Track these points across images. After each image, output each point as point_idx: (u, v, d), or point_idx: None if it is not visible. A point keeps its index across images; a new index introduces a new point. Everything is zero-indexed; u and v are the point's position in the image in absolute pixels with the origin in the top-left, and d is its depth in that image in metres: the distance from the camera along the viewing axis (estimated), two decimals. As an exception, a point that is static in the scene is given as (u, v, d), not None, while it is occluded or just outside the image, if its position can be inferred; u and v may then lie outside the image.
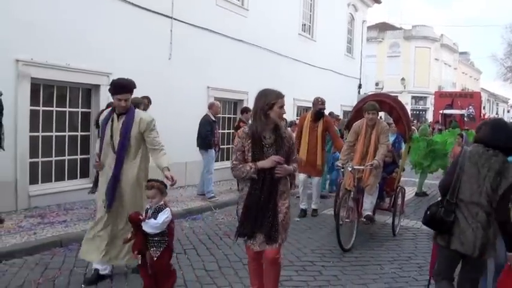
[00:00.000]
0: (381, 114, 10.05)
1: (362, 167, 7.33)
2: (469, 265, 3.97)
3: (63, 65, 8.49)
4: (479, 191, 3.80)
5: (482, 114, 25.93)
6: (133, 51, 9.91)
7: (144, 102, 8.12)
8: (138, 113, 5.32)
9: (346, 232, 6.99)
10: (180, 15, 11.22)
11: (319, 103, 9.19)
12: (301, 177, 9.16)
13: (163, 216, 4.46)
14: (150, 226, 4.43)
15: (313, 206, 9.41)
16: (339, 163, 7.73)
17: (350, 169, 7.19)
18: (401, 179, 12.26)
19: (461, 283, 4.06)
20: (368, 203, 7.48)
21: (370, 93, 9.01)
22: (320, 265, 6.15)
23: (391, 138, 10.34)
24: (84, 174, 9.41)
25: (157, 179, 4.74)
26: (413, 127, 29.20)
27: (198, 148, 10.05)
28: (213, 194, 9.93)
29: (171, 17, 11.01)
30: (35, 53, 8.07)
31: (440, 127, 18.77)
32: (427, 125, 19.29)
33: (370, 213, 7.46)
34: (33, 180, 8.42)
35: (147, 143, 5.25)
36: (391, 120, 9.66)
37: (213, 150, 10.10)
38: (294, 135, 10.19)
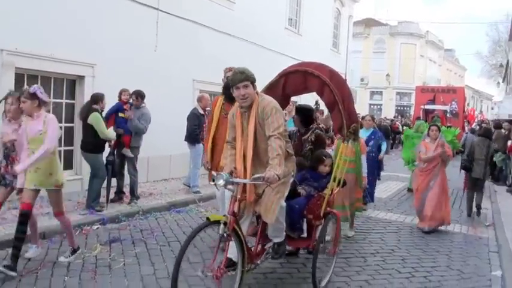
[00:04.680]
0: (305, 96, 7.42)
1: (244, 181, 4.38)
2: (478, 182, 9.61)
3: (47, 55, 8.42)
4: (481, 153, 9.52)
5: (466, 111, 25.80)
6: (118, 42, 9.84)
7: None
8: None
9: None
10: (166, 7, 11.17)
11: (227, 71, 6.72)
12: (217, 192, 5.99)
13: None
14: None
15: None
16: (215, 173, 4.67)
17: (221, 183, 4.19)
18: (383, 174, 12.23)
19: (476, 192, 9.62)
20: (272, 229, 4.75)
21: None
22: (304, 257, 6.14)
23: (364, 134, 8.89)
24: (69, 165, 9.34)
25: None
26: (397, 122, 29.17)
27: (184, 141, 9.99)
28: (198, 189, 9.88)
29: (157, 9, 10.95)
30: (20, 43, 7.98)
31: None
32: (424, 121, 18.86)
33: (280, 239, 4.82)
34: (16, 171, 8.32)
35: None
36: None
37: (201, 145, 9.58)
38: None
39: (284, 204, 4.61)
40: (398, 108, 45.23)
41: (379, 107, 46.13)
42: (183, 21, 11.83)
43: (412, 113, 29.63)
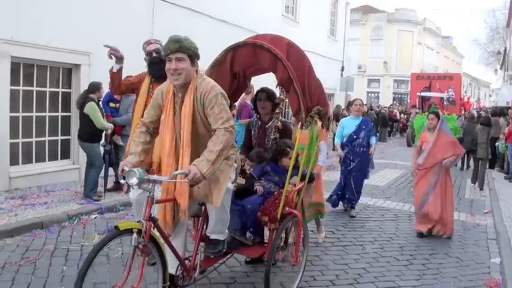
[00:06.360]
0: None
1: (162, 178, 3.47)
2: (481, 161, 11.60)
3: (43, 43, 8.34)
4: (483, 138, 11.48)
5: (462, 98, 25.60)
6: (114, 30, 9.69)
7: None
8: None
9: None
10: (162, -5, 11.07)
11: (151, 43, 5.97)
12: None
13: None
14: None
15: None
16: (125, 167, 3.46)
17: (135, 182, 3.29)
18: (377, 161, 12.18)
19: (480, 167, 11.64)
20: (215, 220, 3.84)
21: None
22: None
23: (353, 122, 8.02)
24: (65, 155, 9.31)
25: None
26: (395, 110, 29.01)
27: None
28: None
29: (153, -4, 10.87)
30: (15, 31, 7.89)
31: (418, 111, 18.48)
32: (421, 108, 18.38)
33: (221, 236, 3.96)
34: (13, 161, 8.31)
35: None
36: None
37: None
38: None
39: (231, 186, 3.84)
40: (396, 95, 45.19)
41: (376, 94, 46.08)
42: (179, 8, 11.74)
43: (409, 100, 29.43)
